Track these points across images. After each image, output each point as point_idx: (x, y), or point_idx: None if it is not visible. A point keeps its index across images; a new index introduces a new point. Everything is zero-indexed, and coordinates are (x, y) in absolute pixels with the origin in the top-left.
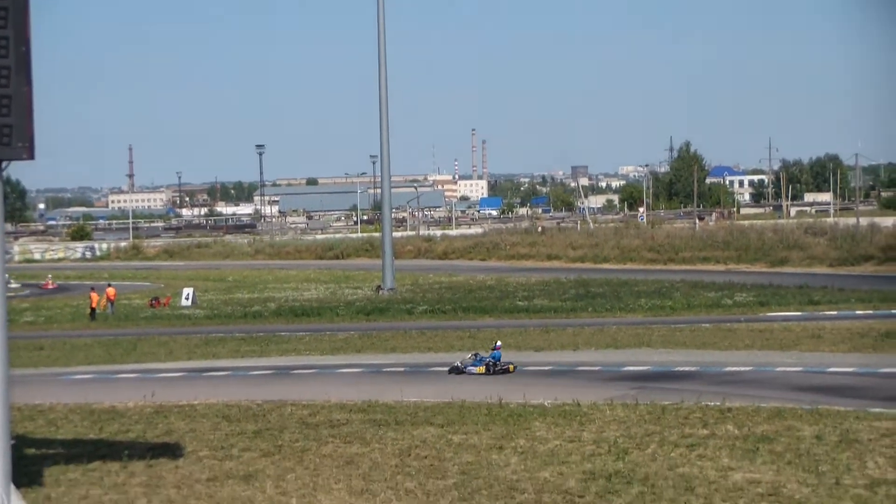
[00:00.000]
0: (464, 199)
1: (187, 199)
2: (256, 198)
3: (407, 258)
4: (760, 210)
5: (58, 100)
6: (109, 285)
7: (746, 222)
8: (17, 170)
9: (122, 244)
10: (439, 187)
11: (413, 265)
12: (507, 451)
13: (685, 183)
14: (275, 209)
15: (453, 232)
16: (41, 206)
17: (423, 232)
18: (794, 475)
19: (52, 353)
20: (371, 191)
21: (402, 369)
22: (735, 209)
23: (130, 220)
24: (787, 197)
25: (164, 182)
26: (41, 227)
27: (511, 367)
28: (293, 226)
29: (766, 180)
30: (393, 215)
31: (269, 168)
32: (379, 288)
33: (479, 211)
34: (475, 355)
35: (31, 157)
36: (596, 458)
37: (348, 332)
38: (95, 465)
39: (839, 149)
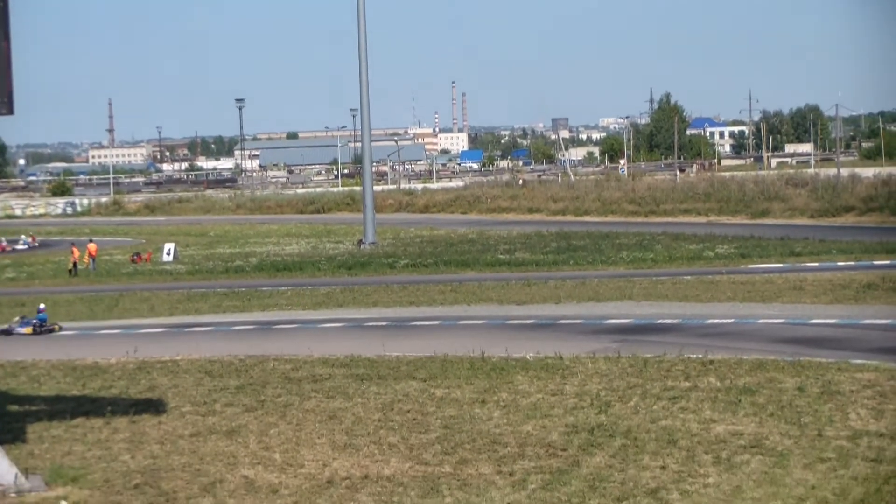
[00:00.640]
0: (444, 152)
1: (168, 153)
2: (237, 152)
3: (388, 212)
4: (741, 161)
5: (36, 54)
6: (91, 241)
7: (727, 174)
8: None
9: (103, 200)
10: (420, 140)
11: (394, 219)
12: (489, 404)
13: (666, 135)
14: (255, 164)
15: (434, 185)
16: (21, 161)
17: (404, 186)
18: (776, 427)
19: (34, 309)
20: (351, 144)
21: (384, 324)
22: (716, 161)
23: (111, 176)
24: (767, 148)
25: (144, 137)
26: (22, 183)
27: (56, 326)
28: (274, 180)
29: (747, 131)
30: (374, 169)
31: (249, 122)
32: (360, 242)
33: (459, 164)
34: (22, 318)
35: (11, 111)
36: (578, 411)
37: (330, 286)
38: (79, 422)
39: (819, 99)
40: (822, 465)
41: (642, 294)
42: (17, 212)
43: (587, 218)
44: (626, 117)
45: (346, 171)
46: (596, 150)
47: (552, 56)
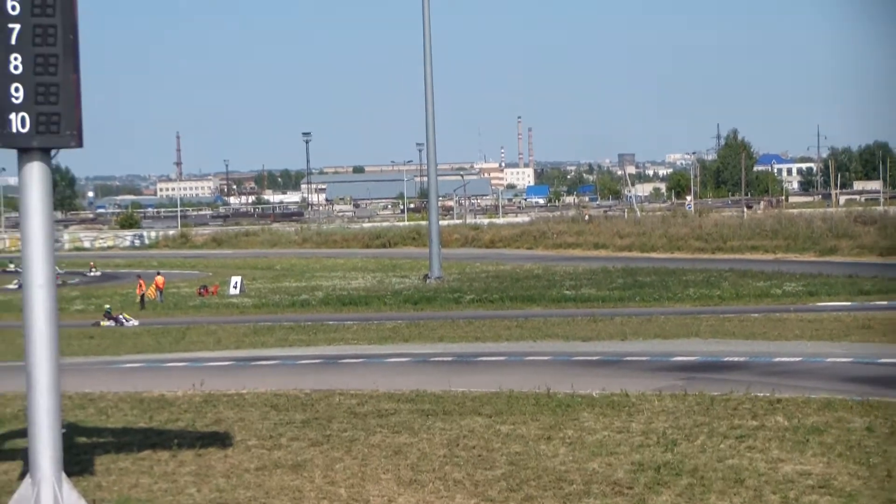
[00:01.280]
0: (510, 187)
1: (235, 187)
2: (303, 186)
3: (454, 247)
4: (809, 198)
5: (106, 87)
6: (158, 273)
7: (795, 211)
8: (66, 158)
9: (171, 232)
10: (486, 175)
11: (460, 254)
12: (555, 441)
13: (733, 171)
14: (322, 197)
15: (500, 220)
16: (90, 194)
17: (470, 220)
18: (844, 467)
19: (102, 341)
20: (418, 179)
21: (449, 359)
22: (783, 197)
23: (178, 208)
24: (835, 185)
25: (211, 170)
26: (90, 215)
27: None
28: (340, 214)
29: (815, 168)
30: (439, 203)
31: (315, 156)
32: (426, 277)
33: (525, 199)
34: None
35: (80, 144)
36: (645, 448)
37: (396, 321)
38: (145, 454)
39: (888, 137)
40: None
41: (709, 331)
42: (86, 244)
43: (653, 254)
44: (693, 153)
45: (412, 205)
46: (662, 186)
47: (619, 91)
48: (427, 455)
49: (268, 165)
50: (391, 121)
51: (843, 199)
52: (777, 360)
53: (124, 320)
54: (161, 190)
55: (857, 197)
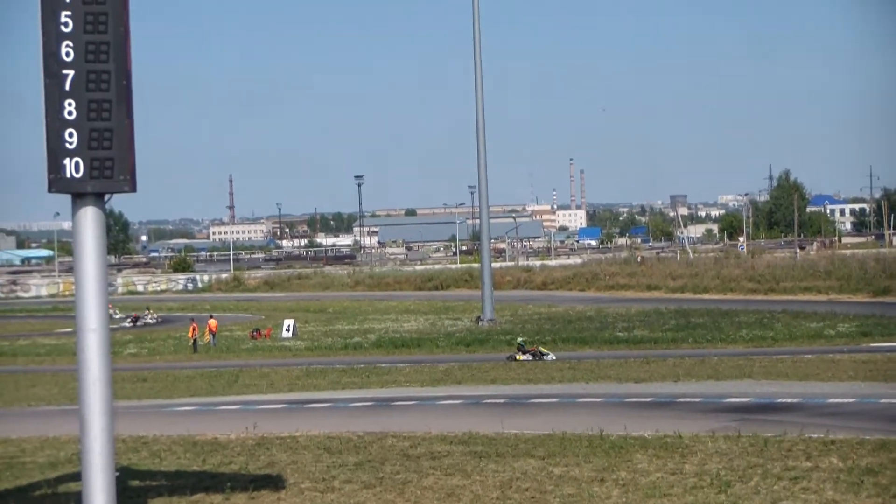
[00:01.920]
0: (562, 228)
1: (287, 230)
2: (356, 229)
3: (506, 289)
4: (862, 239)
5: (159, 131)
6: (211, 317)
7: (848, 251)
8: (120, 202)
9: (224, 276)
10: (538, 217)
11: (512, 296)
12: (608, 483)
13: (785, 212)
14: (374, 240)
15: (552, 262)
16: (143, 238)
17: (522, 262)
18: None
19: (155, 384)
20: (470, 221)
21: (502, 401)
22: (836, 238)
23: (231, 252)
24: (889, 225)
25: (264, 213)
26: (144, 259)
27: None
28: (392, 256)
29: (868, 209)
30: (492, 245)
31: (368, 199)
32: (478, 319)
33: (577, 241)
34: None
35: (133, 189)
36: (698, 490)
37: (448, 363)
38: (198, 497)
39: None
40: None
41: (762, 372)
42: (139, 287)
43: (706, 295)
44: (746, 194)
45: (464, 247)
46: (715, 228)
47: (671, 133)
48: (480, 497)
49: (320, 209)
50: (443, 164)
51: None
52: (831, 401)
53: None
54: (214, 233)
55: None
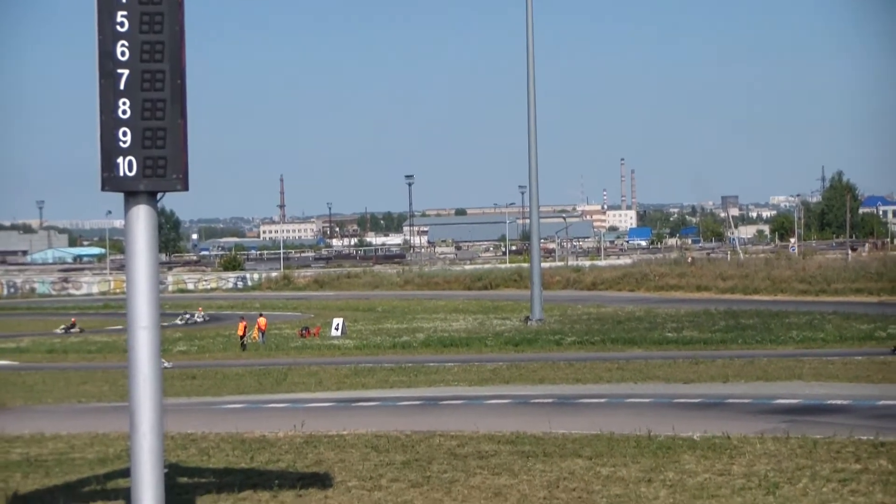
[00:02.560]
0: (612, 229)
1: (337, 229)
2: (406, 228)
3: (555, 289)
4: None
5: (211, 130)
6: (260, 315)
7: None
8: (172, 201)
9: (273, 274)
10: (588, 217)
11: (561, 296)
12: (655, 483)
13: (837, 213)
14: (424, 239)
15: (602, 263)
16: (194, 236)
17: (572, 262)
18: None
19: (204, 382)
20: (520, 221)
21: (550, 400)
22: (889, 239)
23: (281, 250)
24: None
25: (314, 212)
26: (194, 258)
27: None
28: (442, 256)
29: None
30: (541, 245)
31: (417, 198)
32: (527, 318)
33: (627, 241)
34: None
35: (186, 188)
36: (746, 491)
37: (496, 362)
38: (246, 494)
39: None
40: None
41: (812, 374)
42: (190, 286)
43: (756, 296)
44: (797, 195)
45: (513, 247)
46: (766, 229)
47: (723, 133)
48: (527, 497)
49: (370, 208)
50: (493, 163)
51: None
52: (881, 403)
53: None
54: (264, 232)
55: None
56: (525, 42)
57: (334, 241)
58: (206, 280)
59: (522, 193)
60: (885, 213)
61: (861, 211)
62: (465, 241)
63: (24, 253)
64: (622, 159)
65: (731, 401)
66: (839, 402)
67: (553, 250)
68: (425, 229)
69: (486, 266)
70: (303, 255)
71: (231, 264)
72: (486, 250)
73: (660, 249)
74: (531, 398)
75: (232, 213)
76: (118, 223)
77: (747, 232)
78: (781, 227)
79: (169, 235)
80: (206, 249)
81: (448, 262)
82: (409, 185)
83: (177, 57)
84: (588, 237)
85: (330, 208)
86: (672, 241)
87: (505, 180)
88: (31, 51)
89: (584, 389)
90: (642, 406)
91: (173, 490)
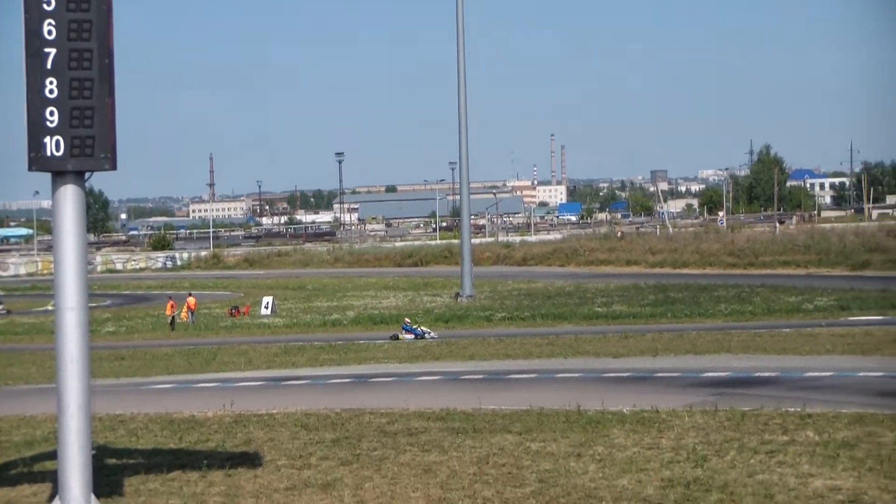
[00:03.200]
0: (543, 204)
1: (267, 207)
2: (336, 206)
3: (486, 265)
4: (842, 213)
5: (139, 109)
6: (190, 294)
7: (827, 225)
8: (100, 180)
9: (203, 253)
10: (518, 193)
11: (492, 272)
12: (585, 458)
13: (765, 186)
14: (354, 217)
15: (532, 238)
16: (123, 216)
17: (502, 238)
18: (875, 482)
19: (133, 363)
20: (450, 197)
21: (480, 377)
22: (816, 212)
23: (211, 230)
24: (868, 199)
25: (244, 191)
26: (123, 238)
27: None
28: (372, 233)
29: (848, 183)
30: (472, 221)
31: (348, 176)
32: (458, 295)
33: (557, 216)
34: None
35: (114, 167)
36: (675, 465)
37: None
38: (175, 475)
39: None
40: None
41: (740, 347)
42: (119, 266)
43: (685, 270)
44: (726, 169)
45: (444, 223)
46: (695, 203)
47: (652, 108)
48: (457, 473)
49: (300, 186)
50: (424, 140)
51: (875, 213)
52: (808, 374)
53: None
54: (194, 211)
55: (891, 211)
56: (455, 17)
57: (264, 220)
58: (135, 260)
59: (453, 170)
60: (812, 186)
61: (789, 184)
62: (396, 218)
63: None
64: (552, 135)
65: (660, 374)
66: (767, 374)
67: (483, 226)
68: (356, 206)
69: (417, 243)
70: (232, 233)
71: (160, 244)
72: (417, 227)
73: (590, 224)
74: (461, 374)
75: (161, 193)
76: (46, 203)
77: (676, 206)
78: (710, 200)
79: (97, 215)
80: (136, 229)
81: (378, 240)
82: (340, 162)
83: (104, 35)
84: (518, 213)
85: (260, 186)
86: (602, 216)
87: (435, 157)
88: None
89: (514, 365)
90: (572, 381)
91: (101, 471)
